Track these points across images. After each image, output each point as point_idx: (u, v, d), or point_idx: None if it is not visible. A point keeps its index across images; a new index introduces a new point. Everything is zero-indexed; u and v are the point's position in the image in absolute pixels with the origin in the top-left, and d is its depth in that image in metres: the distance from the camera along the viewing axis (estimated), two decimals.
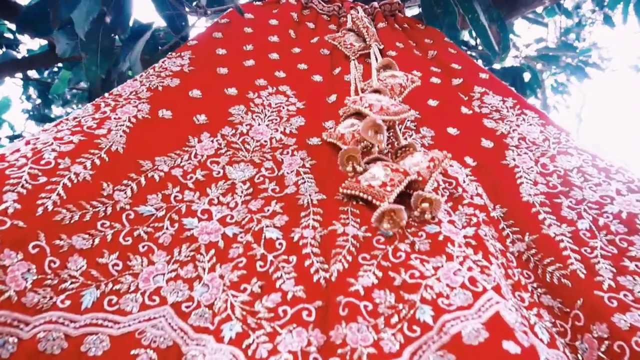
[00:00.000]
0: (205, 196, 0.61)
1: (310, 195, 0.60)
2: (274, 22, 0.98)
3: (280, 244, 0.53)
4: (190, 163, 0.65)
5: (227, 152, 0.67)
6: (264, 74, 0.83)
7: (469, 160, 0.73)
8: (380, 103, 0.68)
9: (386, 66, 0.81)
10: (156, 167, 0.63)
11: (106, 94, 0.73)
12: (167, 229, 0.56)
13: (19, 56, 1.82)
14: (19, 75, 2.22)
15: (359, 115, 0.70)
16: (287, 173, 0.64)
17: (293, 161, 0.66)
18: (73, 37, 1.17)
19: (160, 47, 1.22)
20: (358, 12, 0.99)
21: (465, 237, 0.55)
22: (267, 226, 0.55)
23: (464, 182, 0.67)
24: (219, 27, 0.94)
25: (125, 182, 0.59)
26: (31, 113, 2.65)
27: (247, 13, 1.00)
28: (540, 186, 0.69)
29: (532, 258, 0.60)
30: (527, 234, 0.62)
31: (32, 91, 2.75)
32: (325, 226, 0.55)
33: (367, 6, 1.10)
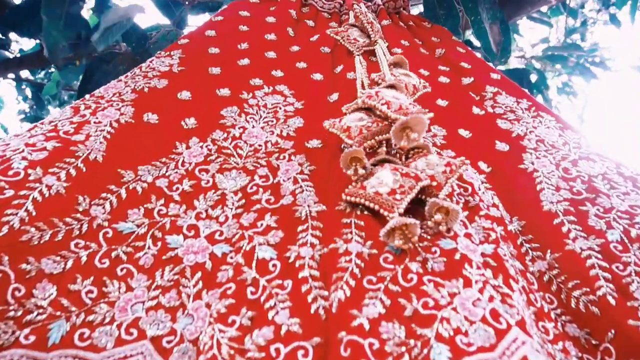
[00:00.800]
0: (192, 209, 0.55)
1: (308, 207, 0.54)
2: (271, 19, 0.92)
3: (274, 265, 0.47)
4: (176, 172, 0.59)
5: (218, 159, 0.61)
6: (260, 73, 0.77)
7: (482, 165, 0.67)
8: (398, 101, 0.62)
9: (397, 64, 0.75)
10: (139, 177, 0.57)
11: (87, 96, 0.67)
12: (149, 248, 0.50)
13: (11, 56, 1.76)
14: (12, 75, 2.17)
15: (369, 110, 0.64)
16: (284, 181, 0.58)
17: (290, 167, 0.60)
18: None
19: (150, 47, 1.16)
20: (361, 8, 0.93)
21: (483, 255, 0.49)
22: (259, 244, 0.49)
23: (480, 189, 0.61)
24: (212, 25, 0.88)
25: (104, 195, 0.53)
26: (26, 114, 2.59)
27: (243, 10, 0.94)
28: (564, 192, 0.62)
29: (554, 279, 0.53)
30: (549, 251, 0.56)
31: (28, 92, 2.69)
32: (326, 243, 0.49)
33: (370, 3, 1.04)
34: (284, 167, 0.60)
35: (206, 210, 0.55)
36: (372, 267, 0.45)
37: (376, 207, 0.50)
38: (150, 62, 0.77)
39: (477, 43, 1.96)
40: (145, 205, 0.54)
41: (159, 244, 0.50)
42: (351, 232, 0.50)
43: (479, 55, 0.99)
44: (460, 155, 0.66)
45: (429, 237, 0.48)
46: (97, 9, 0.91)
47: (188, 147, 0.62)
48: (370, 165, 0.56)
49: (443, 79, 0.84)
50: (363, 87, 0.73)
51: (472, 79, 0.85)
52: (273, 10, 0.97)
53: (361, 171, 0.54)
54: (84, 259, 0.47)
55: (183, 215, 0.54)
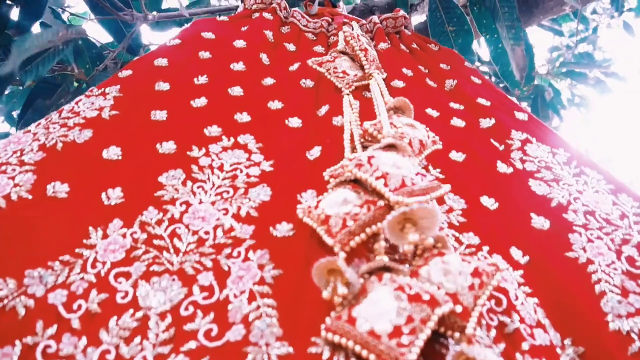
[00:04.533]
0: (94, 346, 0.37)
1: (267, 348, 0.36)
2: (240, 44, 0.73)
3: None
4: (82, 279, 0.41)
5: (145, 256, 0.43)
6: (219, 118, 0.59)
7: (516, 253, 0.49)
8: (400, 172, 0.44)
9: (399, 108, 0.57)
10: (23, 289, 0.39)
11: None
12: None
13: None
14: None
15: (357, 183, 0.46)
16: (235, 296, 0.40)
17: (246, 271, 0.42)
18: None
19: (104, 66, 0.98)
20: (352, 29, 0.75)
21: None
22: None
23: (517, 298, 0.43)
24: (165, 52, 0.70)
25: None
26: None
27: (207, 32, 0.76)
28: (635, 298, 0.44)
29: None
30: None
31: None
32: None
33: (364, 21, 0.86)
34: (236, 272, 0.41)
35: (116, 347, 0.37)
36: None
37: (372, 356, 0.32)
38: (77, 103, 0.59)
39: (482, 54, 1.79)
40: (24, 340, 0.36)
41: None
42: None
43: (487, 69, 0.81)
44: (487, 241, 0.48)
45: None
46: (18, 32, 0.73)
47: (105, 236, 0.44)
48: (358, 279, 0.38)
49: (457, 122, 0.66)
50: (353, 140, 0.55)
51: (493, 120, 0.67)
52: (245, 30, 0.79)
53: (342, 290, 0.36)
54: None
55: (81, 358, 0.36)
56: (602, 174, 0.60)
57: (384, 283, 0.37)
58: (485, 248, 0.47)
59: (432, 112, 0.66)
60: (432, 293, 0.36)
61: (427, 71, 0.78)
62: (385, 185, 0.42)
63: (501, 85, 1.85)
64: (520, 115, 0.69)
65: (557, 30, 2.38)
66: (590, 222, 0.52)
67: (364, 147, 0.54)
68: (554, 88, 1.75)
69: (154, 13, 0.93)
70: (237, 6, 0.89)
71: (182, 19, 1.02)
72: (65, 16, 1.08)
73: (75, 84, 1.09)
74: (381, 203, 0.43)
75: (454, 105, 0.69)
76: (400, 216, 0.39)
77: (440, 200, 0.51)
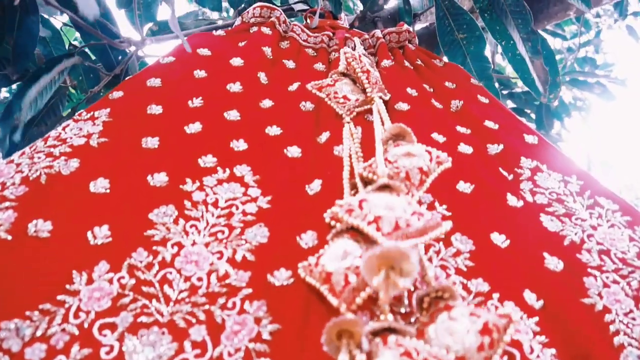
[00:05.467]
0: None
1: None
2: (237, 62, 0.70)
3: None
4: (63, 331, 0.38)
5: (133, 305, 0.40)
6: (214, 146, 0.56)
7: (530, 297, 0.46)
8: (393, 214, 0.41)
9: (397, 135, 0.54)
10: None
11: None
12: None
13: None
14: None
15: (357, 232, 0.43)
16: (229, 354, 0.37)
17: (242, 326, 0.39)
18: None
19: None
20: (354, 47, 0.72)
21: None
22: None
23: (532, 351, 0.40)
24: (157, 71, 0.66)
25: None
26: None
27: (203, 48, 0.72)
28: None
29: None
30: None
31: None
32: None
33: (367, 35, 0.83)
34: (231, 326, 0.39)
35: None
36: None
37: None
38: (64, 128, 0.56)
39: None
40: None
41: None
42: None
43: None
44: (497, 287, 0.45)
45: None
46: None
47: (90, 281, 0.41)
48: (369, 334, 0.35)
49: (464, 149, 0.63)
50: (353, 175, 0.52)
51: (501, 146, 0.64)
52: (242, 46, 0.75)
53: (359, 357, 0.33)
54: None
55: None
56: (617, 203, 0.57)
57: (389, 347, 0.34)
58: (496, 295, 0.44)
59: (439, 138, 0.63)
60: (440, 358, 0.33)
61: (432, 90, 0.75)
62: (378, 229, 0.39)
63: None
64: (529, 139, 0.66)
65: (561, 35, 2.35)
66: (606, 263, 0.49)
67: (365, 183, 0.51)
68: (559, 98, 1.72)
69: (147, 26, 0.89)
70: (234, 22, 0.86)
71: (181, 25, 0.99)
72: (58, 25, 1.05)
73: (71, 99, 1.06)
74: None
75: (460, 129, 0.66)
76: (374, 261, 0.35)
77: (447, 243, 0.48)
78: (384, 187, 0.46)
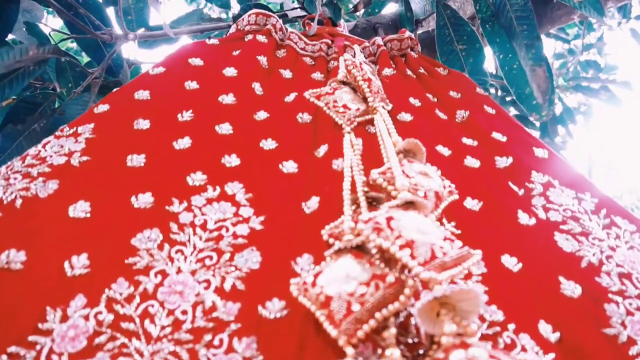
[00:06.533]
0: None
1: None
2: (231, 72, 0.67)
3: None
4: None
5: (111, 344, 0.36)
6: (204, 163, 0.52)
7: (546, 329, 0.42)
8: (427, 239, 0.36)
9: (409, 151, 0.50)
10: None
11: None
12: None
13: None
14: None
15: (360, 249, 0.39)
16: None
17: None
18: None
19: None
20: (354, 54, 0.69)
21: None
22: None
23: None
24: (146, 82, 0.63)
25: None
26: None
27: (195, 57, 0.69)
28: None
29: None
30: None
31: None
32: None
33: (367, 42, 0.79)
34: None
35: None
36: None
37: None
38: (44, 146, 0.52)
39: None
40: None
41: None
42: None
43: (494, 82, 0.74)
44: (512, 317, 0.41)
45: None
46: None
47: (65, 318, 0.37)
48: None
49: (471, 162, 0.59)
50: (354, 189, 0.48)
51: (510, 159, 0.60)
52: (236, 55, 0.72)
53: None
54: None
55: None
56: (634, 223, 0.53)
57: None
58: (511, 327, 0.40)
59: (444, 151, 0.59)
60: None
61: (436, 100, 0.72)
62: (413, 257, 0.35)
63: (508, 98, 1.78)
64: (539, 152, 0.63)
65: (562, 38, 2.32)
66: (628, 288, 0.46)
67: (368, 199, 0.47)
68: (564, 103, 1.69)
69: (139, 31, 0.86)
70: (229, 25, 0.82)
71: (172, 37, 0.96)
72: (47, 30, 1.02)
73: (58, 104, 1.03)
74: (391, 279, 0.36)
75: (466, 141, 0.63)
76: (434, 301, 0.32)
77: None
78: (408, 205, 0.41)
